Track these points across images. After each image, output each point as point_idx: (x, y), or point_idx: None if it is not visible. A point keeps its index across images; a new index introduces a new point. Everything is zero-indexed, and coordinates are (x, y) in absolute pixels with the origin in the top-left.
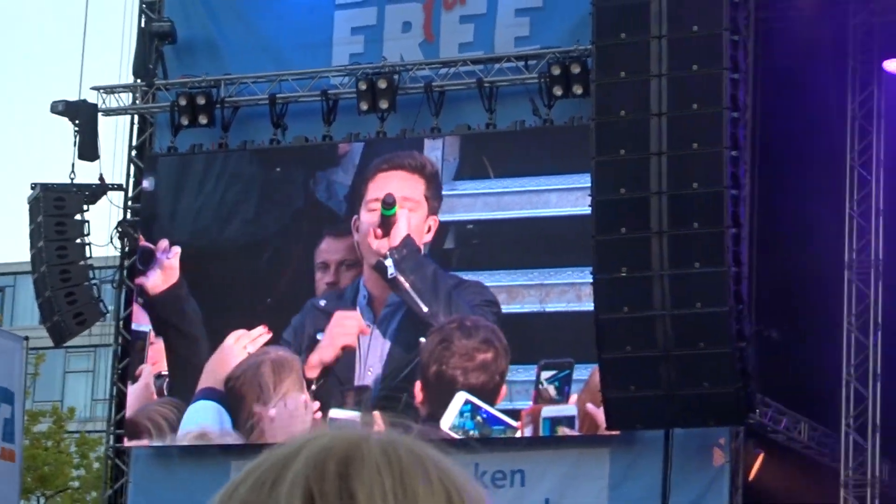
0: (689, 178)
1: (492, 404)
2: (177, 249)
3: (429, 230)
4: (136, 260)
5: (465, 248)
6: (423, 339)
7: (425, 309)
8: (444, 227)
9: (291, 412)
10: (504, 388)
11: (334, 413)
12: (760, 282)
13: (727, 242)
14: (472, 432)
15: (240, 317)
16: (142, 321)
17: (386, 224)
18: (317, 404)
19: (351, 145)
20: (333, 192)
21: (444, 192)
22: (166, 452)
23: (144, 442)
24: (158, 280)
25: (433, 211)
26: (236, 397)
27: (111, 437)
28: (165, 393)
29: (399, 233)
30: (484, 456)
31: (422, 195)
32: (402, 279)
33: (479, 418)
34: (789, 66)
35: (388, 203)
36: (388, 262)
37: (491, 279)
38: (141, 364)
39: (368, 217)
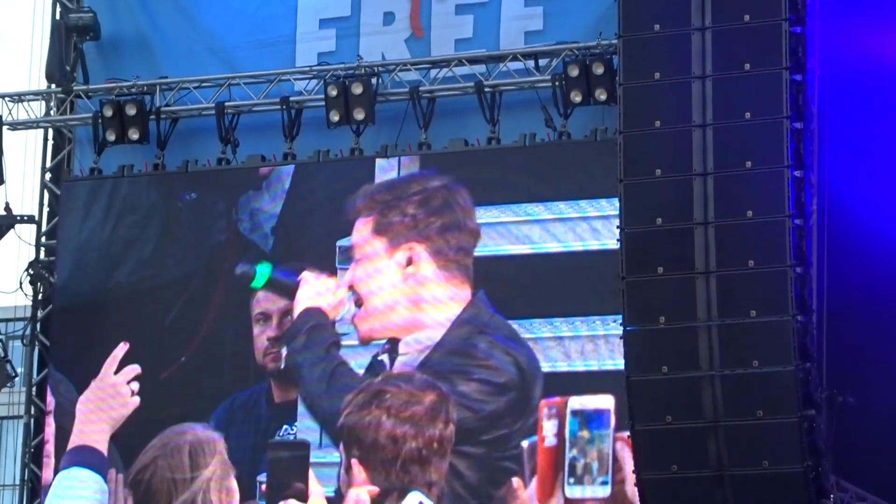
0: (743, 204)
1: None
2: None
3: (410, 262)
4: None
5: None
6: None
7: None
8: None
9: None
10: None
11: None
12: (832, 335)
13: (790, 285)
14: None
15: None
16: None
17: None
18: None
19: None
20: (258, 223)
21: None
22: None
23: None
24: None
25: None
26: (143, 489)
27: None
28: None
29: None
30: None
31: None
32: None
33: None
34: (864, 71)
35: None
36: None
37: None
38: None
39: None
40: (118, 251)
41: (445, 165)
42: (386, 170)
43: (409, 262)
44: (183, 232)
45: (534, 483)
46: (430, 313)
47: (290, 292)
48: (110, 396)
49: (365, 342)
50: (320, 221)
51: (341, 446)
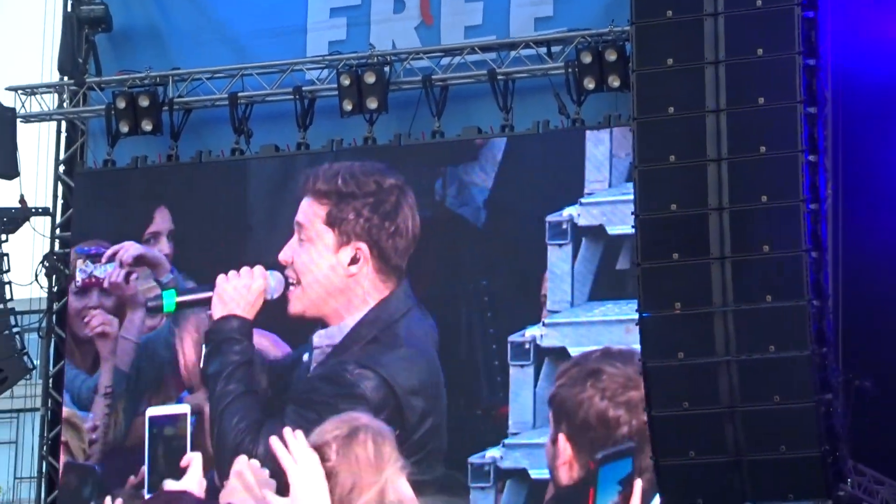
0: (757, 189)
1: None
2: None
3: (354, 261)
4: None
5: None
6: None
7: None
8: (616, 241)
9: None
10: None
11: None
12: (849, 318)
13: (806, 270)
14: None
15: None
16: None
17: None
18: None
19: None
20: (469, 197)
21: (614, 198)
22: None
23: None
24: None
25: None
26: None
27: None
28: None
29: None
30: None
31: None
32: None
33: None
34: (877, 49)
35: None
36: None
37: None
38: None
39: None
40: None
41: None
42: (596, 140)
43: (354, 261)
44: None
45: None
46: (355, 315)
47: (206, 304)
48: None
49: (295, 317)
50: (531, 195)
51: (550, 415)
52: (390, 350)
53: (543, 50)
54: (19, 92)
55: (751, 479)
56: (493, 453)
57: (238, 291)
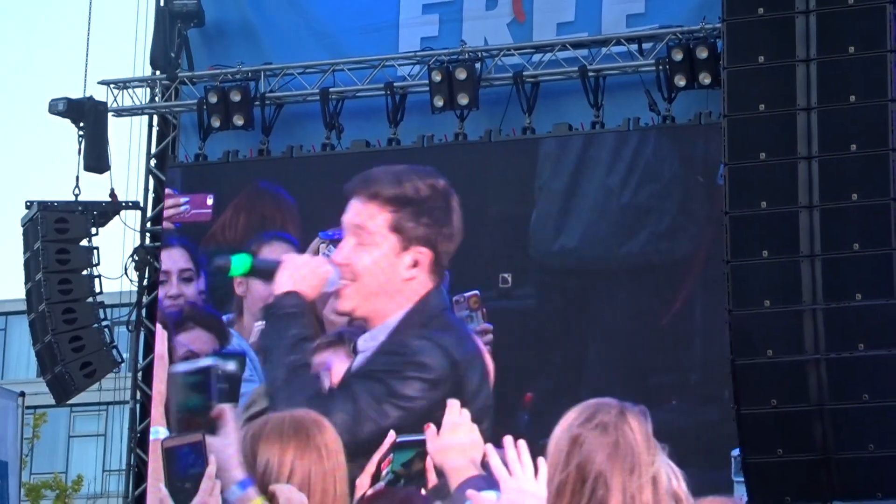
0: (848, 187)
1: None
2: None
3: (416, 265)
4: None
5: None
6: None
7: None
8: None
9: None
10: None
11: None
12: None
13: None
14: None
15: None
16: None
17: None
18: None
19: None
20: None
21: None
22: None
23: None
24: None
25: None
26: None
27: None
28: None
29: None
30: None
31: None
32: None
33: None
34: None
35: (225, 266)
36: None
37: None
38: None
39: None
40: (633, 220)
41: None
42: None
43: (415, 264)
44: (701, 207)
45: None
46: (397, 313)
47: (270, 276)
48: None
49: (342, 314)
50: None
51: None
52: (442, 330)
53: (634, 47)
54: (111, 86)
55: (839, 477)
56: None
57: (308, 269)
